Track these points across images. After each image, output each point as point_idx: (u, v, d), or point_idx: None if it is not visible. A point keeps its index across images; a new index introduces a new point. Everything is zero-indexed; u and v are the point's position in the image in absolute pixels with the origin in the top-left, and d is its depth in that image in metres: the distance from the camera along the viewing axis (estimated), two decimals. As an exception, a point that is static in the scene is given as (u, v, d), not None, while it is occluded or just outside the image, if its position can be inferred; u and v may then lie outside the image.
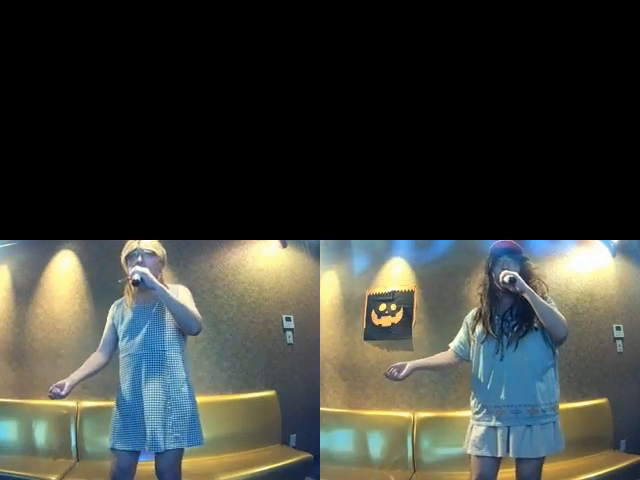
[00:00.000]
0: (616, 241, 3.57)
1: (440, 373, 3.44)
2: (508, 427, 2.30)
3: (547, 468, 2.94)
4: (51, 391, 2.29)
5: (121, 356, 2.38)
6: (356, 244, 3.71)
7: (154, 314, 2.38)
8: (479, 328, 2.40)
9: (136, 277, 2.28)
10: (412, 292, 3.59)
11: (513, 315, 2.36)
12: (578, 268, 3.59)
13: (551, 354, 2.35)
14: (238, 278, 3.64)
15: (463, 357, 2.47)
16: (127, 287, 2.42)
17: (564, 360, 3.46)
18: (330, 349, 3.62)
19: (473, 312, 2.48)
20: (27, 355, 3.46)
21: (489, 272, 2.41)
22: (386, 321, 3.61)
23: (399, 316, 3.59)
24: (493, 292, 2.40)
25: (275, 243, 3.71)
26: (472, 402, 2.41)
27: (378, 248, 3.70)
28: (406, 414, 3.41)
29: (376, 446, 3.42)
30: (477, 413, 2.37)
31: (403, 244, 3.66)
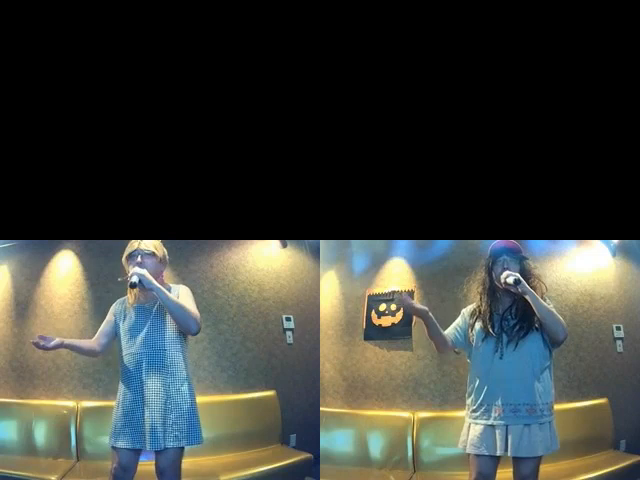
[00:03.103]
0: (616, 241, 3.57)
1: (440, 372, 3.44)
2: (507, 426, 2.29)
3: (547, 468, 2.94)
4: (37, 342, 2.31)
5: (122, 355, 2.40)
6: (356, 244, 3.71)
7: (155, 313, 2.39)
8: (478, 326, 2.39)
9: (134, 279, 2.30)
10: (412, 292, 3.59)
11: (512, 314, 2.36)
12: (578, 268, 3.59)
13: (548, 355, 2.36)
14: (238, 278, 3.64)
15: (455, 344, 2.45)
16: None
17: (564, 360, 3.47)
18: (330, 349, 3.62)
19: (471, 308, 2.48)
20: (27, 355, 3.46)
21: (489, 271, 2.40)
22: (386, 321, 3.61)
23: (399, 316, 3.59)
24: (493, 291, 2.40)
25: (275, 243, 3.71)
26: (469, 400, 2.39)
27: (378, 248, 3.70)
28: (406, 414, 3.41)
29: (376, 446, 3.42)
30: (474, 411, 2.35)
31: (403, 244, 3.66)
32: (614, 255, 3.62)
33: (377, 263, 3.74)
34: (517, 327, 2.34)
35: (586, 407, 3.44)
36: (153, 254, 2.40)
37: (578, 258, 3.59)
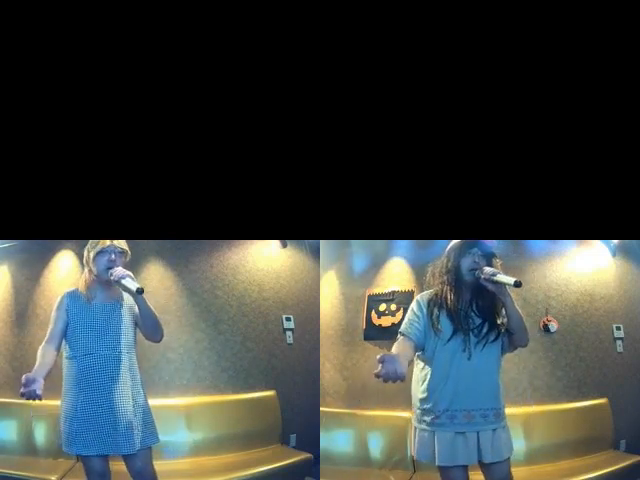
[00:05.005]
0: (616, 241, 3.57)
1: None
2: (477, 432, 2.16)
3: (548, 468, 2.95)
4: (26, 393, 2.16)
5: (77, 355, 2.30)
6: (356, 244, 3.71)
7: (119, 314, 2.33)
8: (445, 321, 2.20)
9: (139, 286, 2.20)
10: (412, 292, 3.59)
11: (475, 311, 2.22)
12: (578, 268, 3.58)
13: (501, 356, 2.26)
14: (238, 278, 3.63)
15: (418, 346, 2.20)
16: (84, 279, 2.36)
17: (564, 360, 3.47)
18: (330, 349, 3.62)
19: (429, 296, 2.27)
20: (27, 355, 3.46)
21: (456, 260, 2.25)
22: (386, 321, 3.61)
23: (399, 316, 3.58)
24: (457, 283, 2.23)
25: (275, 243, 3.71)
26: (428, 405, 2.20)
27: (378, 248, 3.70)
28: (406, 414, 3.40)
29: (376, 446, 3.41)
30: (437, 418, 2.17)
31: (403, 244, 3.66)
32: (614, 255, 3.62)
33: (377, 263, 3.74)
34: (485, 327, 2.19)
35: (586, 407, 3.44)
36: (124, 253, 2.34)
37: (578, 258, 3.59)
